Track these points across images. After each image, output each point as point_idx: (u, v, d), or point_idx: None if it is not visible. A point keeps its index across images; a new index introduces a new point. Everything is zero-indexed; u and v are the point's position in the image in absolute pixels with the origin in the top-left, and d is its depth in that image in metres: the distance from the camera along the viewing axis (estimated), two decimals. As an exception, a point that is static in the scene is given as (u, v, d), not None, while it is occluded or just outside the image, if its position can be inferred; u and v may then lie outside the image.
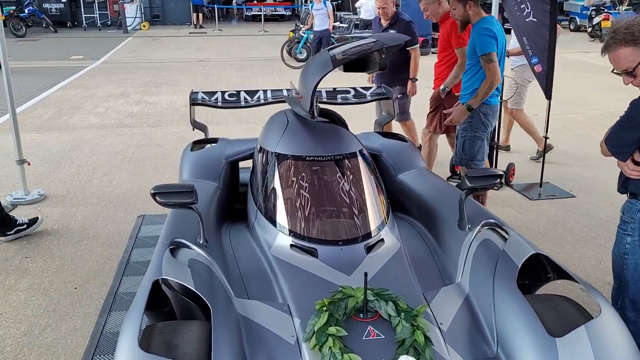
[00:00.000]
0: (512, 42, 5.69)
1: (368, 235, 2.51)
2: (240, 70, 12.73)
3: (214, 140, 3.91)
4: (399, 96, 5.50)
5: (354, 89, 4.43)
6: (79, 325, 3.15)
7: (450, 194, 2.86)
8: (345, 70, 3.00)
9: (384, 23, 5.67)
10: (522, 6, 4.97)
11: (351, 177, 2.77)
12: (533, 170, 5.61)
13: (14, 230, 4.20)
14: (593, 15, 18.53)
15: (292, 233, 2.52)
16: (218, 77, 11.85)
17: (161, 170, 5.86)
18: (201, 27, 21.82)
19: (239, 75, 12.07)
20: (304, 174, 2.76)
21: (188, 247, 2.37)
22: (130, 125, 7.79)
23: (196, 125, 4.18)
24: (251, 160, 3.47)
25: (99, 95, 9.81)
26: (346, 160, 2.81)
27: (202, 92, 4.32)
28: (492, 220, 2.53)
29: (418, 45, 5.58)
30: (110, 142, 6.95)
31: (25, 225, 4.25)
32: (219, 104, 4.33)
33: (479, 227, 2.48)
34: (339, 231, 2.52)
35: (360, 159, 2.87)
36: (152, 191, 2.44)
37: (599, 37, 17.80)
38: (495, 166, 5.32)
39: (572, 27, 21.68)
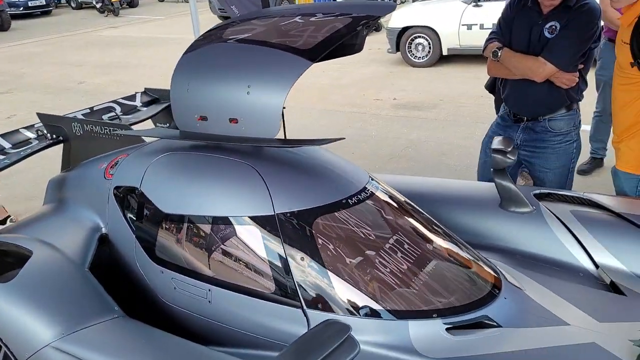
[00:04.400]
0: None
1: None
2: None
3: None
4: None
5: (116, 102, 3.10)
6: None
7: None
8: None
9: None
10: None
11: (402, 208, 1.99)
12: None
13: None
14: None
15: (434, 313, 1.64)
16: None
17: None
18: None
19: None
20: (359, 227, 1.80)
21: None
22: None
23: None
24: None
25: None
26: (380, 189, 1.99)
27: None
28: (543, 190, 2.29)
29: None
30: None
31: None
32: None
33: (544, 203, 2.20)
34: (481, 276, 1.80)
35: (379, 182, 2.08)
36: None
37: (112, 12, 17.78)
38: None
39: (73, 5, 20.86)
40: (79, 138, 2.63)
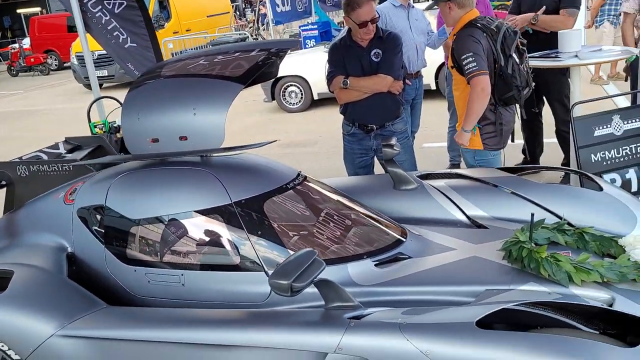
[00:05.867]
0: None
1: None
2: None
3: None
4: None
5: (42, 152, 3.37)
6: None
7: None
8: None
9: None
10: (115, 33, 4.82)
11: (327, 190, 2.56)
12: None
13: None
14: None
15: (364, 255, 2.20)
16: None
17: None
18: None
19: None
20: (298, 204, 2.33)
21: None
22: None
23: None
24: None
25: None
26: (307, 178, 2.56)
27: None
28: (423, 172, 2.99)
29: None
30: None
31: None
32: None
33: (426, 181, 2.88)
34: (391, 229, 2.40)
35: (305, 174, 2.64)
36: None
37: None
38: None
39: None
40: (24, 180, 2.86)
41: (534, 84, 3.29)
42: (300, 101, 8.91)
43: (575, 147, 3.66)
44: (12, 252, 2.55)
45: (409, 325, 1.66)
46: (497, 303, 1.74)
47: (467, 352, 1.55)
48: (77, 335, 1.99)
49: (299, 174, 2.54)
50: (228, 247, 2.22)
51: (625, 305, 1.83)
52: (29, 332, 2.03)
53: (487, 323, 1.66)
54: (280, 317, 1.91)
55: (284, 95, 8.94)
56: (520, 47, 3.19)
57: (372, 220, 2.47)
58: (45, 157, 3.34)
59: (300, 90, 8.85)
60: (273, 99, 9.00)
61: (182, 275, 2.25)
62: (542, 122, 4.74)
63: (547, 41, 4.22)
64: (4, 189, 2.97)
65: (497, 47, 3.06)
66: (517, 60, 3.13)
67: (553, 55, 4.09)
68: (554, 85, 4.34)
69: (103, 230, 2.39)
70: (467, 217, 2.67)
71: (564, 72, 4.18)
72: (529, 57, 4.21)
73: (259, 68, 2.51)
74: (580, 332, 1.66)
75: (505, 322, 1.68)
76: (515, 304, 1.72)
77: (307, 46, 11.48)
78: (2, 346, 2.07)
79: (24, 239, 2.62)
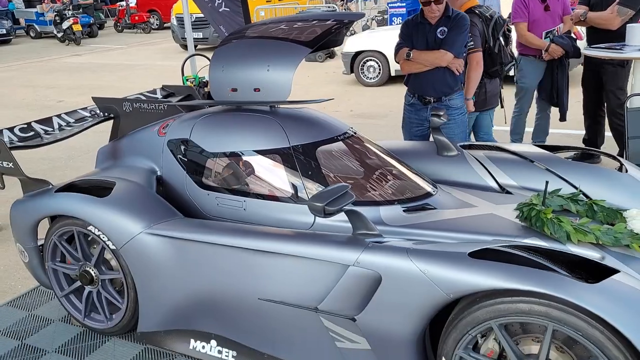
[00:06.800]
0: None
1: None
2: None
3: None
4: None
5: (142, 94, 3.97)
6: None
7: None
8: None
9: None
10: (212, -2, 5.37)
11: (372, 145, 2.96)
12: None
13: None
14: (59, 21, 18.68)
15: (395, 202, 2.60)
16: None
17: None
18: None
19: None
20: (345, 154, 2.75)
21: None
22: None
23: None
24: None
25: None
26: (357, 133, 2.96)
27: None
28: (466, 143, 3.32)
29: None
30: None
31: None
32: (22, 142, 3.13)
33: (467, 150, 3.21)
34: (422, 184, 2.78)
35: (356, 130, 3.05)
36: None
37: (73, 41, 18.25)
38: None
39: (33, 34, 21.16)
40: (127, 114, 3.47)
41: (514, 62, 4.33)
42: (377, 76, 9.23)
43: (626, 137, 3.81)
44: (115, 170, 3.15)
45: (414, 250, 2.05)
46: (491, 243, 2.09)
47: (455, 274, 1.93)
48: (160, 234, 2.54)
49: (349, 129, 2.94)
50: (283, 182, 2.68)
51: (613, 264, 2.12)
52: (124, 228, 2.61)
53: (482, 259, 2.01)
54: (317, 236, 2.35)
55: (362, 69, 9.29)
56: (507, 32, 3.95)
57: (407, 174, 2.84)
58: (144, 99, 3.94)
59: (379, 65, 9.16)
60: (352, 72, 9.38)
61: (244, 201, 2.74)
62: (605, 112, 4.84)
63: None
64: (111, 121, 3.60)
65: (489, 31, 3.76)
66: (503, 42, 3.85)
67: (619, 47, 4.19)
68: (608, 76, 4.44)
69: (186, 159, 2.92)
70: (498, 184, 2.97)
71: (623, 64, 4.27)
72: (596, 47, 4.35)
73: (327, 35, 2.92)
74: (558, 273, 1.97)
75: (497, 260, 2.02)
76: (506, 245, 2.06)
77: (392, 23, 11.69)
78: (103, 237, 2.66)
79: (125, 161, 3.21)
